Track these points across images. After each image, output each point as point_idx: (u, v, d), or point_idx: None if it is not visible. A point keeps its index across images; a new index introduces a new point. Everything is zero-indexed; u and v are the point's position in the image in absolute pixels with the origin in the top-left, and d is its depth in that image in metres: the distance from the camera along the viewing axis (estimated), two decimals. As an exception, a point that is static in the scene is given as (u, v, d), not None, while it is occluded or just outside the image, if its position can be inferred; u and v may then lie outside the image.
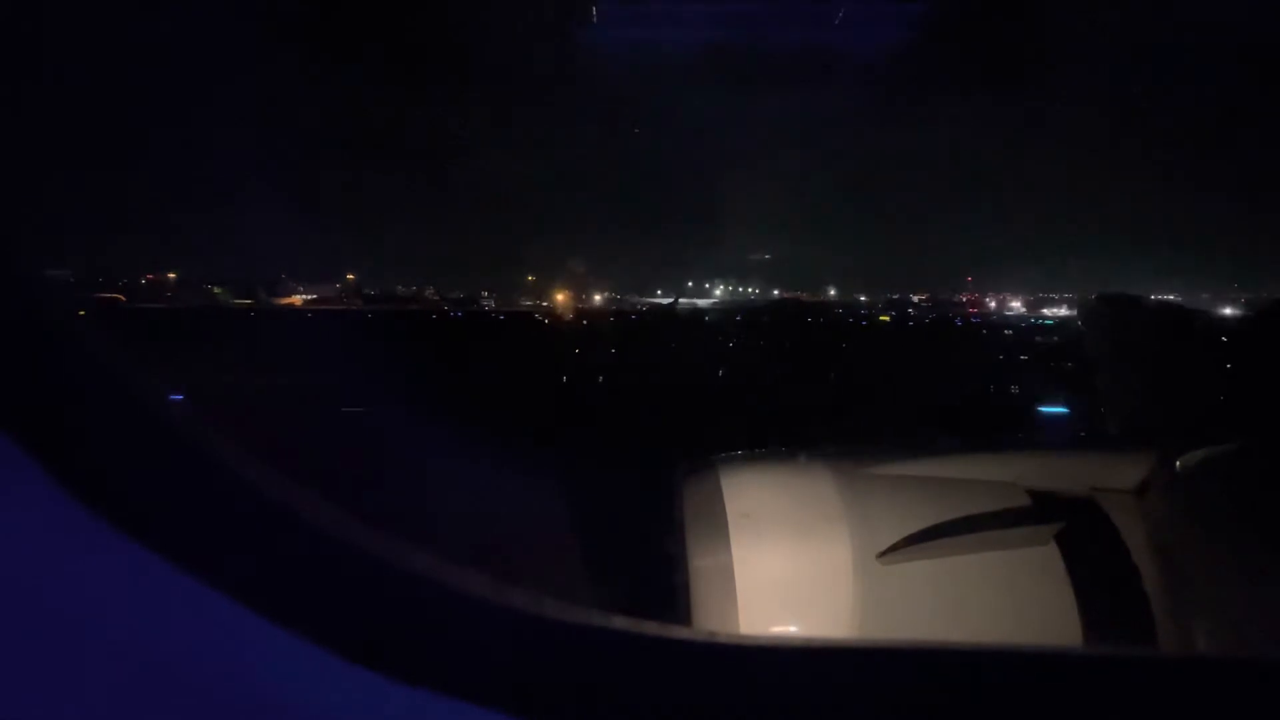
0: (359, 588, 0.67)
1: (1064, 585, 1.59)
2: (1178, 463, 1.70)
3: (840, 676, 0.68)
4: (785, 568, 1.59)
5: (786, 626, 1.59)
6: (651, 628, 0.69)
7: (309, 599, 0.63)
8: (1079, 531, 1.65)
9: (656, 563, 1.71)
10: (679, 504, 1.70)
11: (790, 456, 1.86)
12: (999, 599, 1.62)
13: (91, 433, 0.67)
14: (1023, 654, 0.75)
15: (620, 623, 0.69)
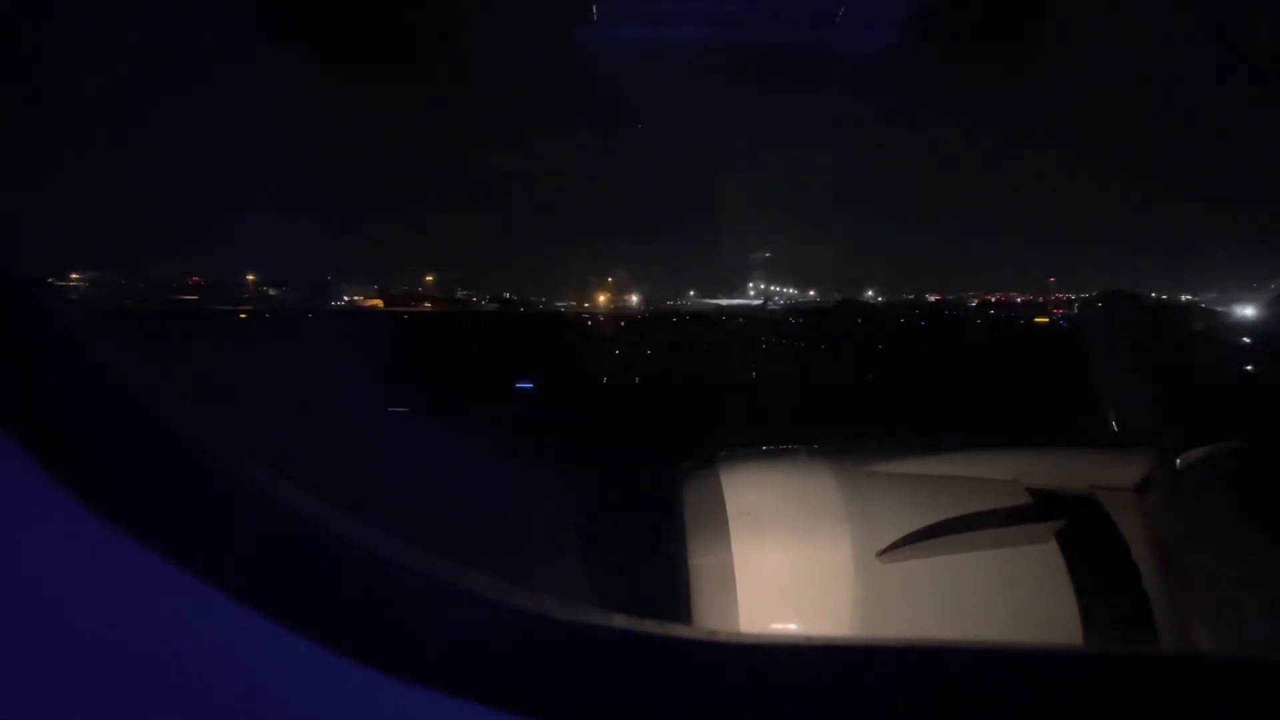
0: (359, 586, 0.67)
1: (1064, 583, 1.59)
2: (1178, 461, 1.70)
3: (840, 675, 0.68)
4: (785, 566, 1.59)
5: (786, 625, 1.59)
6: (652, 626, 0.69)
7: (309, 598, 0.63)
8: (1079, 530, 1.65)
9: (657, 561, 1.71)
10: (679, 502, 1.70)
11: (791, 454, 1.86)
12: (999, 597, 1.62)
13: (92, 431, 0.67)
14: (1023, 652, 0.75)
15: (620, 621, 0.69)
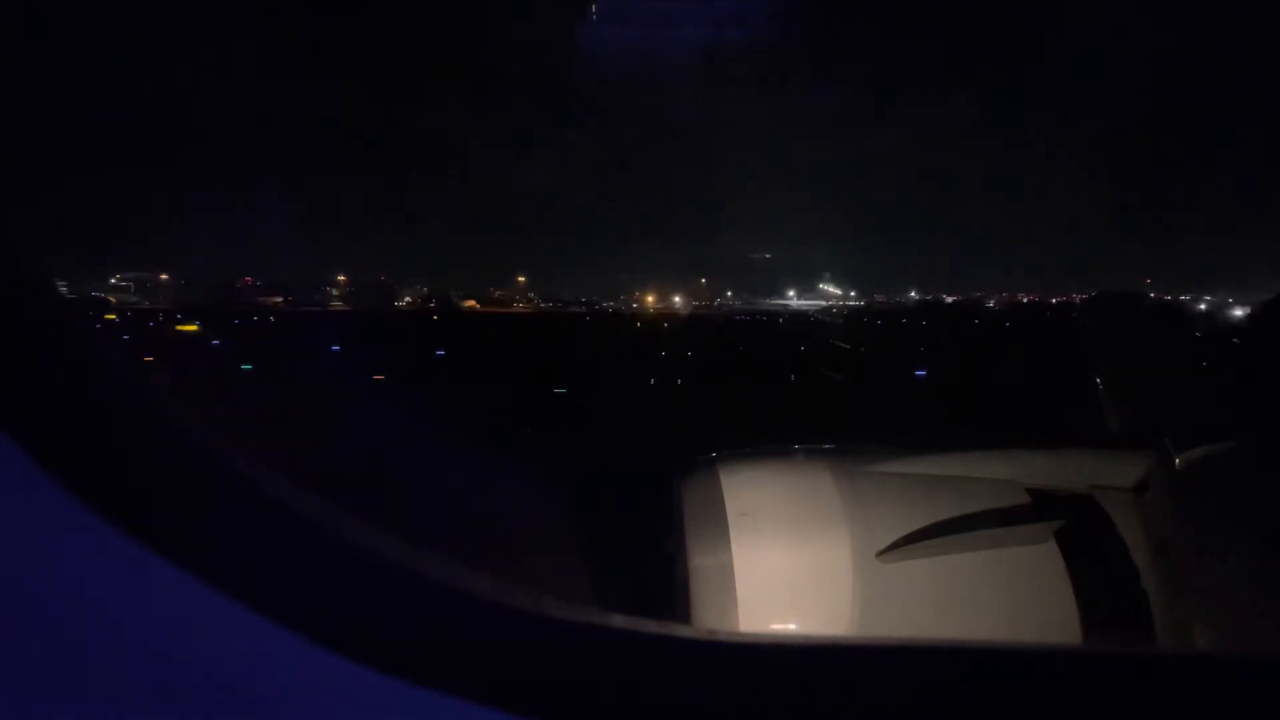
0: (359, 587, 0.67)
1: (1063, 583, 1.59)
2: (1177, 461, 1.70)
3: (840, 675, 0.68)
4: (785, 566, 1.60)
5: (786, 625, 1.59)
6: (651, 626, 0.69)
7: (309, 598, 0.63)
8: (1078, 529, 1.65)
9: (657, 561, 1.71)
10: (678, 502, 1.70)
11: (790, 454, 1.86)
12: (998, 597, 1.62)
13: (92, 432, 0.67)
14: (1022, 652, 0.75)
15: (620, 621, 0.69)
